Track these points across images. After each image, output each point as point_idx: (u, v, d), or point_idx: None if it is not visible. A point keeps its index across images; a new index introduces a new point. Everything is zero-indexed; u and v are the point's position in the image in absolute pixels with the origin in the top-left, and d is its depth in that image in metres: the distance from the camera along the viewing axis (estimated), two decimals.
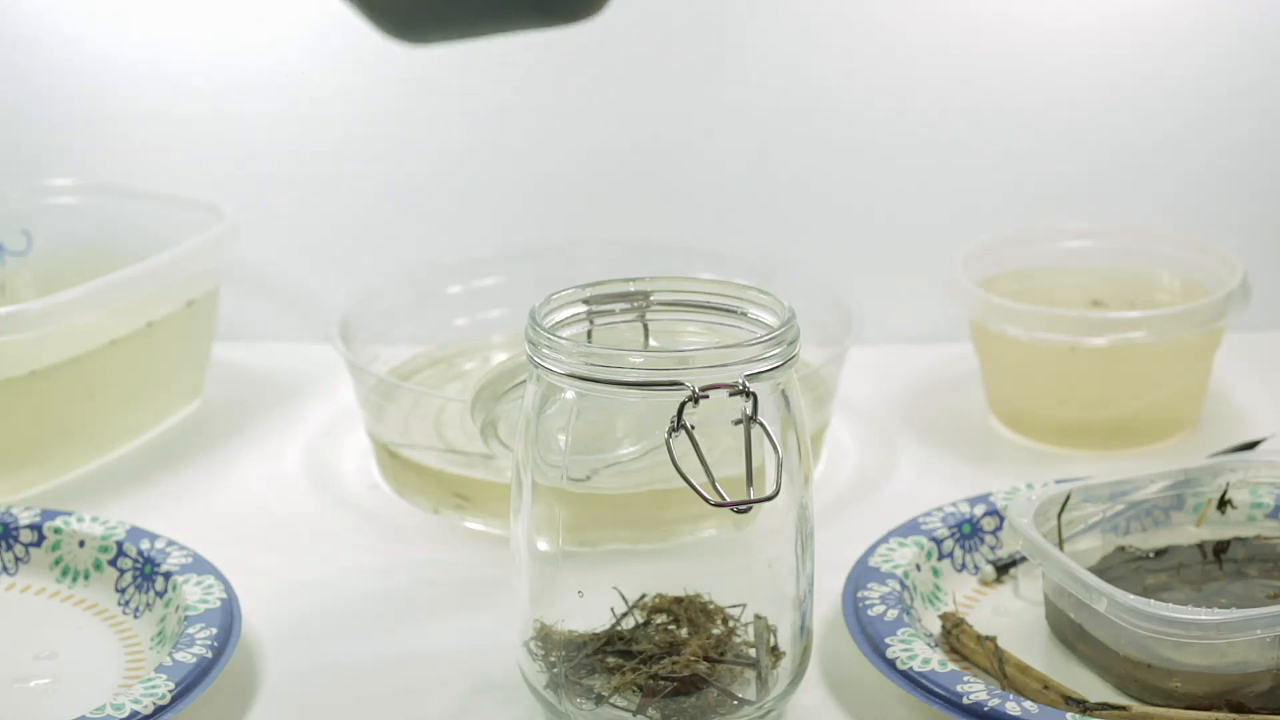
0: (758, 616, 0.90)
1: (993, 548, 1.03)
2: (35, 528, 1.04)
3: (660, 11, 1.30)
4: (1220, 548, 1.00)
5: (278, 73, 1.33)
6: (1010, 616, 0.99)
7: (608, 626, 0.91)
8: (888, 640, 0.92)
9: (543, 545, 0.89)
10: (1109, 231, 1.26)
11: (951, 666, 0.90)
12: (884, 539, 1.01)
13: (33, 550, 1.03)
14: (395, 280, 1.25)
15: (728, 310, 0.91)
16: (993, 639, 0.94)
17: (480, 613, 1.00)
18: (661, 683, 0.88)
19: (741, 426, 0.83)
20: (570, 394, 0.87)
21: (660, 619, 0.91)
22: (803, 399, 0.89)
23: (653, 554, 0.95)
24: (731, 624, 0.91)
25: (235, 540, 1.07)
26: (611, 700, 0.88)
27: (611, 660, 0.90)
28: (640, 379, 0.84)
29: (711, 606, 0.91)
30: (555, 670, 0.90)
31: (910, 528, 1.02)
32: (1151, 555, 1.00)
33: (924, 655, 0.91)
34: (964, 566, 1.02)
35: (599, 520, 0.93)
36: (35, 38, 1.32)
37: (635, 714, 0.88)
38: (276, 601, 1.01)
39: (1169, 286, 1.23)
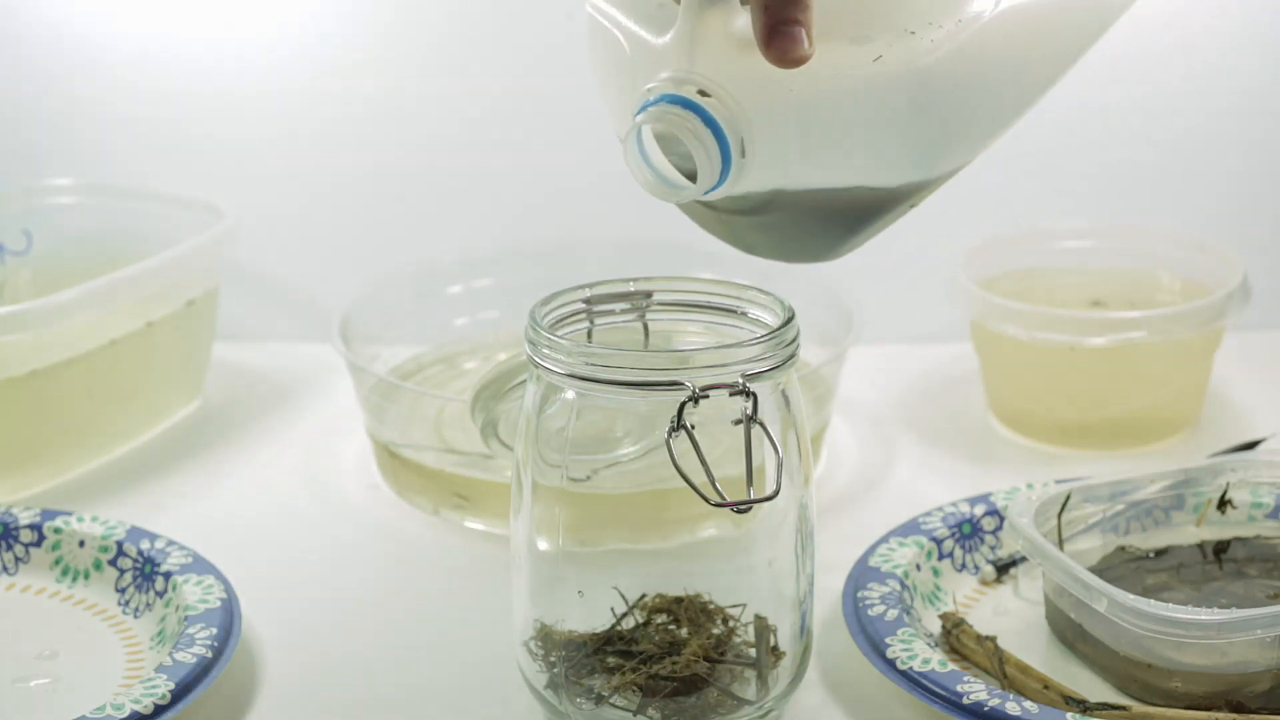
0: (758, 616, 0.90)
1: (993, 548, 1.03)
2: (35, 528, 1.04)
3: None
4: (1220, 548, 1.00)
5: (278, 73, 1.33)
6: (1010, 616, 0.99)
7: (608, 626, 0.91)
8: (888, 640, 0.92)
9: (543, 545, 0.89)
10: (1109, 231, 1.26)
11: (951, 666, 0.90)
12: (884, 539, 1.01)
13: (33, 550, 1.03)
14: (395, 280, 1.25)
15: (728, 310, 0.91)
16: (993, 639, 0.94)
17: (480, 613, 1.00)
18: (661, 683, 0.88)
19: (741, 426, 0.83)
20: (570, 394, 0.87)
21: (660, 619, 0.91)
22: (803, 399, 0.89)
23: (653, 554, 0.96)
24: (731, 624, 0.91)
25: (235, 540, 1.07)
26: (611, 700, 0.88)
27: (611, 660, 0.90)
28: (640, 379, 0.84)
29: (711, 606, 0.91)
30: (555, 670, 0.90)
31: (910, 528, 1.02)
32: (1151, 555, 1.00)
33: (924, 655, 0.90)
34: (964, 566, 1.02)
35: (599, 520, 0.93)
36: (35, 37, 1.32)
37: (635, 714, 0.88)
38: (276, 601, 1.01)
39: (1169, 286, 1.23)
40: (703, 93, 0.79)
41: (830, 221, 0.82)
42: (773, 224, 0.83)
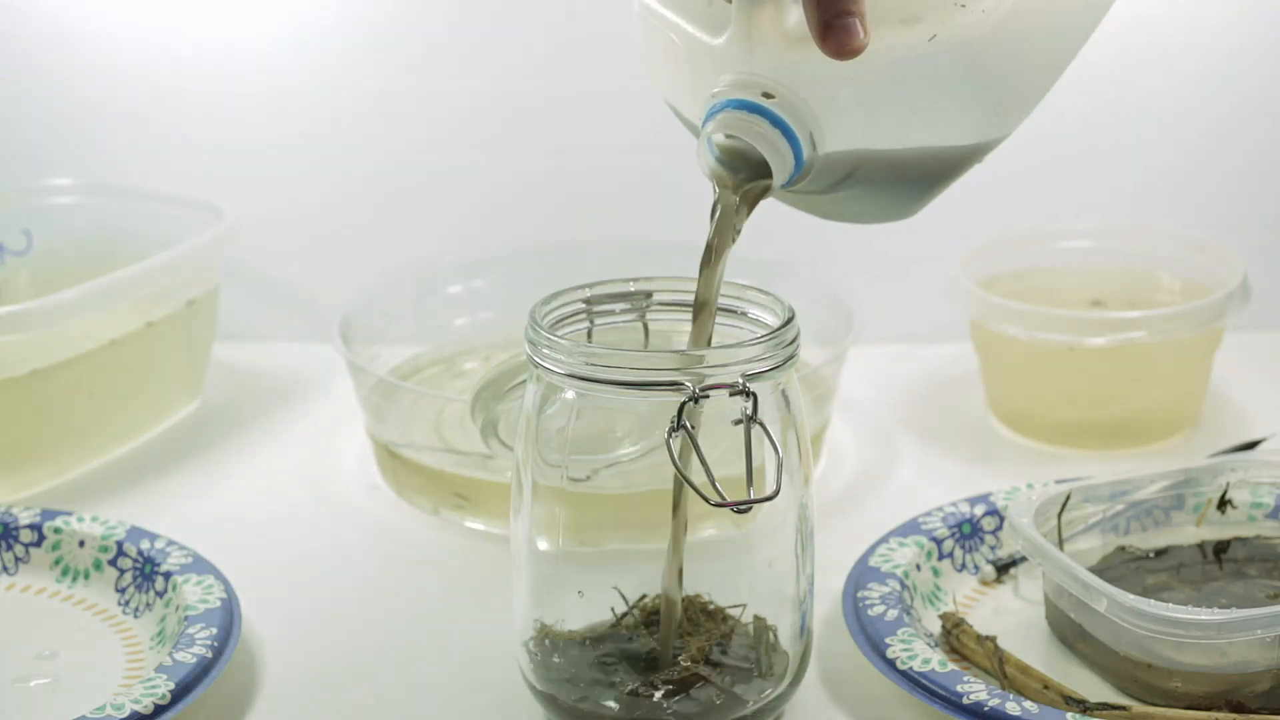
0: (758, 616, 0.90)
1: (993, 548, 1.03)
2: (35, 528, 1.04)
3: None
4: (1220, 548, 1.00)
5: (279, 73, 1.33)
6: (1010, 616, 0.99)
7: (608, 626, 0.91)
8: (888, 640, 0.92)
9: (543, 545, 0.89)
10: (1109, 231, 1.26)
11: (951, 666, 0.90)
12: (884, 539, 1.01)
13: (33, 550, 1.03)
14: (395, 280, 1.25)
15: (728, 310, 0.91)
16: (993, 639, 0.94)
17: (480, 613, 1.00)
18: (661, 683, 0.88)
19: (741, 426, 0.83)
20: (570, 394, 0.87)
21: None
22: (803, 399, 0.89)
23: (653, 554, 0.95)
24: (731, 624, 0.91)
25: (235, 540, 1.07)
26: (611, 700, 0.88)
27: (611, 660, 0.90)
28: (640, 379, 0.84)
29: (711, 606, 0.91)
30: (555, 670, 0.90)
31: (910, 528, 1.02)
32: (1151, 555, 1.00)
33: (924, 655, 0.90)
34: (964, 566, 1.02)
35: (599, 520, 0.93)
36: (35, 38, 1.32)
37: (635, 714, 0.88)
38: (276, 601, 1.01)
39: (1169, 286, 1.23)
40: (767, 94, 0.79)
41: (906, 187, 0.84)
42: (847, 197, 0.84)
